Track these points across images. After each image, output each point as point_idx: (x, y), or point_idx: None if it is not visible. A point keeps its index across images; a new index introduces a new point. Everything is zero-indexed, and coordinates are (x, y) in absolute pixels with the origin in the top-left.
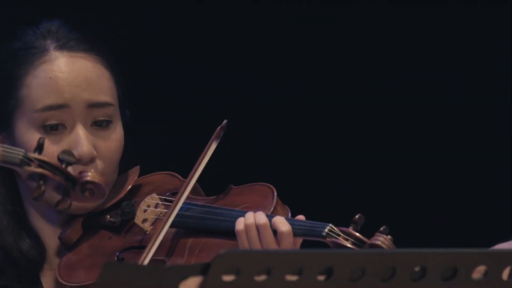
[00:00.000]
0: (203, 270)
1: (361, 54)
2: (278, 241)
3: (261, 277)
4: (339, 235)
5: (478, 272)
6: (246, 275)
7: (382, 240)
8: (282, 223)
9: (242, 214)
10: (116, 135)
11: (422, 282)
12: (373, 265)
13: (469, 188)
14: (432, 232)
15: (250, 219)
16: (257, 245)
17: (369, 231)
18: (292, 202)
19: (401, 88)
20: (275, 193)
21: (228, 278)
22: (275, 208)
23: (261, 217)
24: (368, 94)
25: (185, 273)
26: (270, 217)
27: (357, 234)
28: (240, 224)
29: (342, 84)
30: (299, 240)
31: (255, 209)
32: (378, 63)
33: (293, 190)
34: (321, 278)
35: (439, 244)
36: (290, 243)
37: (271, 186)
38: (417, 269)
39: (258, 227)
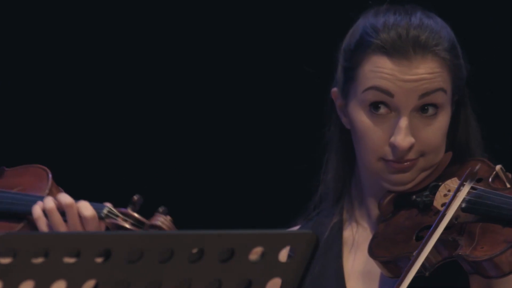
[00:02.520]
0: None
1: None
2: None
3: (39, 260)
4: (117, 216)
5: (255, 254)
6: (24, 257)
7: (162, 220)
8: (85, 208)
9: (32, 198)
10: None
11: (200, 263)
12: (151, 247)
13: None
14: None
15: (50, 203)
16: (62, 228)
17: (149, 212)
18: (68, 184)
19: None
20: (50, 175)
21: (4, 261)
22: (50, 190)
23: (66, 197)
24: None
25: None
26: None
27: (136, 215)
28: (36, 211)
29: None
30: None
31: (30, 191)
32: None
33: (70, 172)
34: (99, 260)
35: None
36: (95, 227)
37: (45, 168)
38: (195, 250)
39: (64, 208)
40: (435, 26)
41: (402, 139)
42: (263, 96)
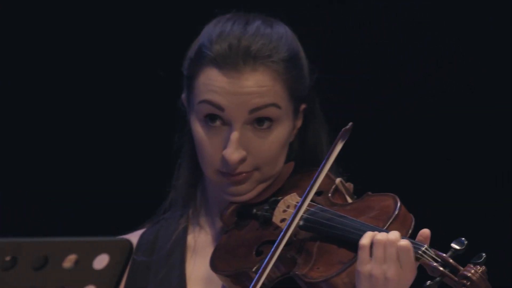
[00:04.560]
0: None
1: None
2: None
3: None
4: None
5: (69, 261)
6: None
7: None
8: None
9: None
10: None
11: (13, 271)
12: None
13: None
14: None
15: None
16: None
17: None
18: None
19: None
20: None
21: None
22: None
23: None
24: None
25: None
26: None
27: None
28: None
29: None
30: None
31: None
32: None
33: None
34: None
35: None
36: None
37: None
38: (8, 258)
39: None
40: (272, 36)
41: (232, 152)
42: (118, 98)
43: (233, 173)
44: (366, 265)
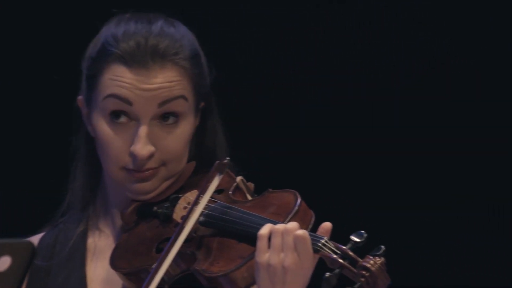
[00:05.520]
0: None
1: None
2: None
3: None
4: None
5: None
6: None
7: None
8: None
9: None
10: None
11: None
12: None
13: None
14: None
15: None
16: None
17: None
18: None
19: None
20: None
21: None
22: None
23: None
24: None
25: None
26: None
27: None
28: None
29: None
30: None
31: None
32: None
33: None
34: None
35: None
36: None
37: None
38: None
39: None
40: (176, 35)
41: (141, 147)
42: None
43: (140, 170)
44: (264, 255)
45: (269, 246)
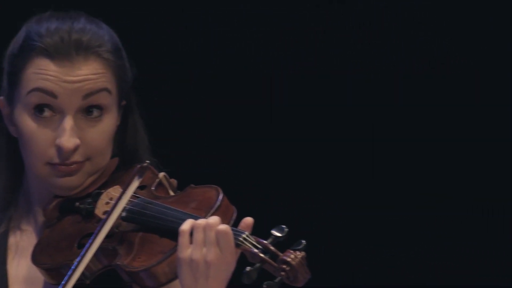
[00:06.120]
0: None
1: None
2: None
3: None
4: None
5: None
6: None
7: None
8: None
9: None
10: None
11: None
12: None
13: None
14: None
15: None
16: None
17: None
18: None
19: None
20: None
21: None
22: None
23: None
24: None
25: None
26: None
27: None
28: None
29: None
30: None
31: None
32: None
33: None
34: None
35: None
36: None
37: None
38: None
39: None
40: (97, 30)
41: (67, 140)
42: None
43: (65, 163)
44: (186, 250)
45: (191, 242)
